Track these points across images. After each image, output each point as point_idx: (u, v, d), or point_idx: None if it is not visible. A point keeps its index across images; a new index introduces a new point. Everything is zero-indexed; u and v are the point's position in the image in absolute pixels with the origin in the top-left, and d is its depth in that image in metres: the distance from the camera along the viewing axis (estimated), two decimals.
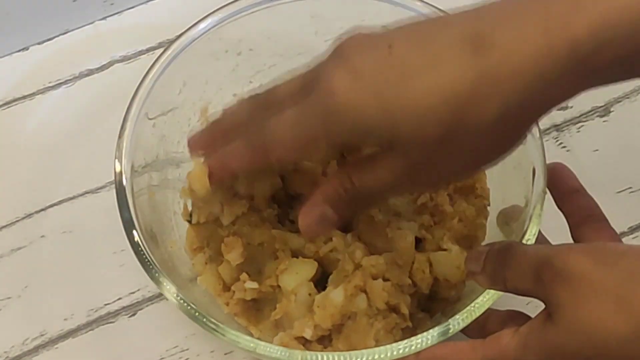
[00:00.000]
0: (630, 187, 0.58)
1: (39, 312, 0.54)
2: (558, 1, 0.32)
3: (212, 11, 0.51)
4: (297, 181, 0.50)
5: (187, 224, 0.50)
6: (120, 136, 0.47)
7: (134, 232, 0.45)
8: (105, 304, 0.54)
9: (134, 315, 0.54)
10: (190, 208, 0.50)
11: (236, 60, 0.54)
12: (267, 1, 0.51)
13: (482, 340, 0.40)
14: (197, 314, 0.43)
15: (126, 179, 0.46)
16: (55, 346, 0.53)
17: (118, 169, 0.47)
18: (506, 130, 0.35)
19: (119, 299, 0.54)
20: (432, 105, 0.34)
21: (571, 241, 0.44)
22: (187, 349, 0.53)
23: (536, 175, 0.46)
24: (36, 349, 0.53)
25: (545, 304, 0.38)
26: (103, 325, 0.54)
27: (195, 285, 0.49)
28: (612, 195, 0.58)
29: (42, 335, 0.53)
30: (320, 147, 0.38)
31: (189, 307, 0.43)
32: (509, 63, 0.33)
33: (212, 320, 0.42)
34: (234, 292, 0.48)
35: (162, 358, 0.53)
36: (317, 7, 0.52)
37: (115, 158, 0.47)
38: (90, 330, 0.54)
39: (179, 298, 0.43)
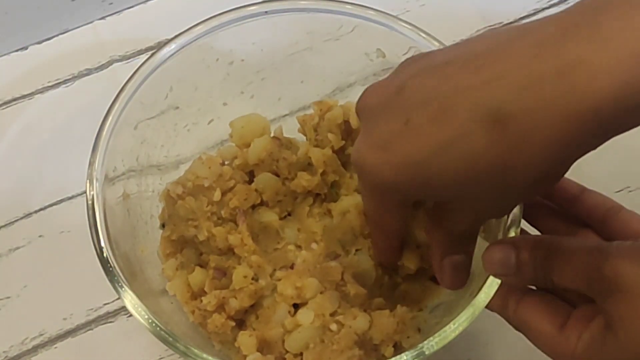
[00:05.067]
0: (628, 187, 0.58)
1: (38, 311, 0.54)
2: (574, 66, 0.32)
3: (205, 19, 0.50)
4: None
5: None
6: (98, 136, 0.47)
7: (103, 248, 0.44)
8: (105, 304, 0.54)
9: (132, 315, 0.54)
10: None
11: (227, 69, 0.53)
12: (262, 13, 0.51)
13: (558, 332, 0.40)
14: (168, 336, 0.42)
15: (99, 186, 0.46)
16: (55, 346, 0.53)
17: (90, 178, 0.46)
18: (548, 178, 0.36)
19: (118, 298, 0.54)
20: (469, 174, 0.35)
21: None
22: None
23: None
24: (35, 349, 0.53)
25: (601, 309, 0.37)
26: (102, 325, 0.54)
27: (166, 300, 0.49)
28: (611, 195, 0.56)
29: (41, 335, 0.53)
30: (394, 213, 0.42)
31: (160, 330, 0.42)
32: (532, 136, 0.33)
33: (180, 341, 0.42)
34: (200, 300, 0.47)
35: (161, 358, 0.53)
36: (313, 24, 0.52)
37: (89, 166, 0.46)
38: (89, 330, 0.54)
39: (150, 321, 0.43)
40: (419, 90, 0.37)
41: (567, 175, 0.57)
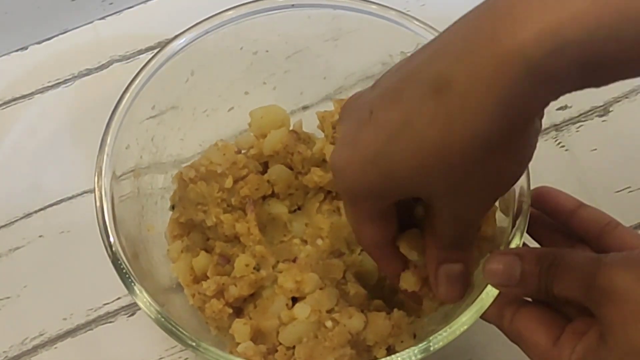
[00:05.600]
0: (629, 187, 0.58)
1: (37, 312, 0.54)
2: (504, 19, 0.31)
3: (231, 7, 0.50)
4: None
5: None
6: (115, 110, 0.47)
7: (112, 240, 0.45)
8: (105, 304, 0.54)
9: (133, 315, 0.54)
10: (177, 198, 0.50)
11: (251, 59, 0.54)
12: (289, 6, 0.51)
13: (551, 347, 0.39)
14: (173, 327, 0.43)
15: (108, 160, 0.46)
16: (55, 346, 0.53)
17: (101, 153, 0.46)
18: (504, 148, 0.34)
19: (118, 298, 0.54)
20: (422, 163, 0.35)
21: None
22: (186, 349, 0.53)
23: None
24: (35, 349, 0.53)
25: (597, 319, 0.37)
26: (102, 325, 0.54)
27: (174, 295, 0.49)
28: (611, 194, 0.57)
29: (41, 335, 0.53)
30: (372, 223, 0.41)
31: (165, 321, 0.43)
32: (470, 99, 0.32)
33: (186, 333, 0.43)
34: (201, 284, 0.47)
35: (161, 358, 0.53)
36: (340, 21, 0.52)
37: (101, 140, 0.46)
38: (89, 330, 0.54)
39: (156, 311, 0.43)
40: (385, 84, 0.37)
41: (566, 177, 0.57)
